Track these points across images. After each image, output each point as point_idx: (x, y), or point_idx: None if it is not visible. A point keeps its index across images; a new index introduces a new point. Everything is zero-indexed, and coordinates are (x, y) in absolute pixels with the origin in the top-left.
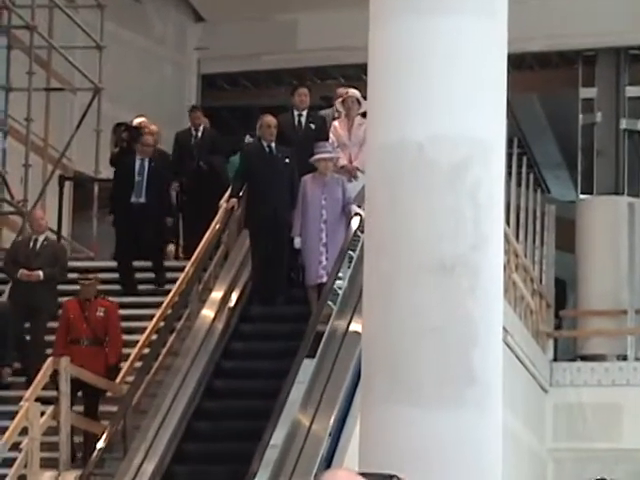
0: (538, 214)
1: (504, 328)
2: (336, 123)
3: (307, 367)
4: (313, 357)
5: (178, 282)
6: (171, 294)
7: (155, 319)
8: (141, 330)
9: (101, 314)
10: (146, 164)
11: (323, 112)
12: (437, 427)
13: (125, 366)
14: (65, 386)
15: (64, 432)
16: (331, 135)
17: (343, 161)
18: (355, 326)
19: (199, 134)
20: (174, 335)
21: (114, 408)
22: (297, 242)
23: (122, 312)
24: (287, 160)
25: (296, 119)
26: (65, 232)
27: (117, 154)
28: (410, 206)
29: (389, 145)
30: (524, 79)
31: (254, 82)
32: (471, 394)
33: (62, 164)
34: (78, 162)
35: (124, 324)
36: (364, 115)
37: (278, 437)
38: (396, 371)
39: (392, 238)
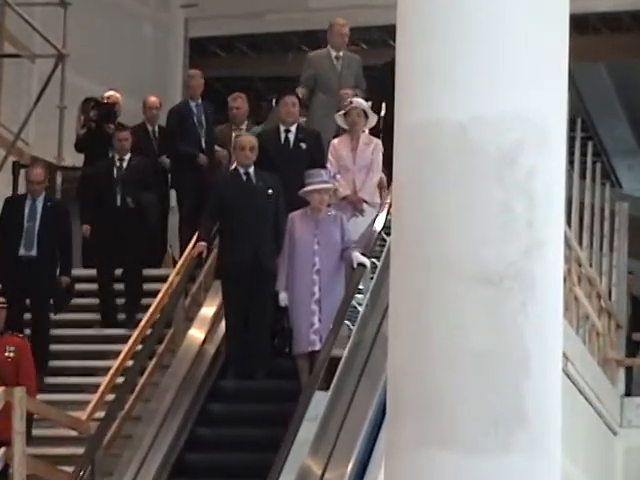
0: (607, 213)
1: (564, 354)
2: (336, 141)
3: (319, 401)
4: (327, 389)
5: (160, 295)
6: (151, 310)
7: (131, 341)
8: (114, 354)
9: (10, 354)
10: (39, 205)
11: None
12: (481, 476)
13: (94, 399)
14: (20, 424)
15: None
16: (329, 157)
17: (345, 191)
18: (379, 351)
19: (124, 164)
20: (154, 361)
21: (80, 450)
22: (283, 298)
23: (91, 332)
24: (270, 191)
25: (282, 136)
26: None
27: (84, 137)
28: (448, 202)
29: (422, 126)
30: (589, 45)
31: (255, 47)
32: (522, 436)
33: (17, 148)
34: (36, 146)
35: (92, 347)
36: (373, 133)
37: None
38: (429, 407)
39: (425, 242)
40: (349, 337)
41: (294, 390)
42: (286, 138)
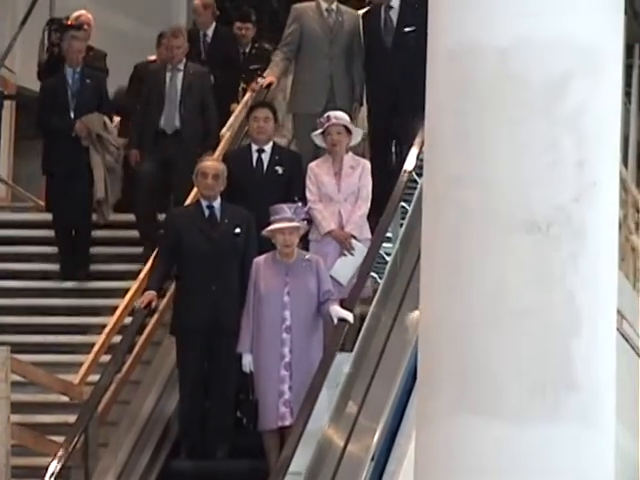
0: None
1: (618, 312)
2: (315, 165)
3: (341, 364)
4: (350, 351)
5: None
6: (151, 260)
7: (129, 295)
8: (110, 311)
9: None
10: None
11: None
12: (524, 447)
13: (87, 360)
14: (5, 388)
15: (3, 450)
16: (308, 184)
17: (329, 225)
18: (410, 308)
19: None
20: (155, 317)
21: (72, 418)
22: (247, 362)
23: (84, 284)
24: (238, 230)
25: (254, 157)
26: (3, 171)
27: (46, 64)
28: (487, 139)
29: (457, 53)
30: None
31: None
32: (571, 404)
33: (1, 77)
34: (22, 75)
35: (85, 301)
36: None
37: (300, 462)
38: (468, 371)
39: (461, 185)
40: (375, 292)
41: (260, 471)
42: (259, 159)
